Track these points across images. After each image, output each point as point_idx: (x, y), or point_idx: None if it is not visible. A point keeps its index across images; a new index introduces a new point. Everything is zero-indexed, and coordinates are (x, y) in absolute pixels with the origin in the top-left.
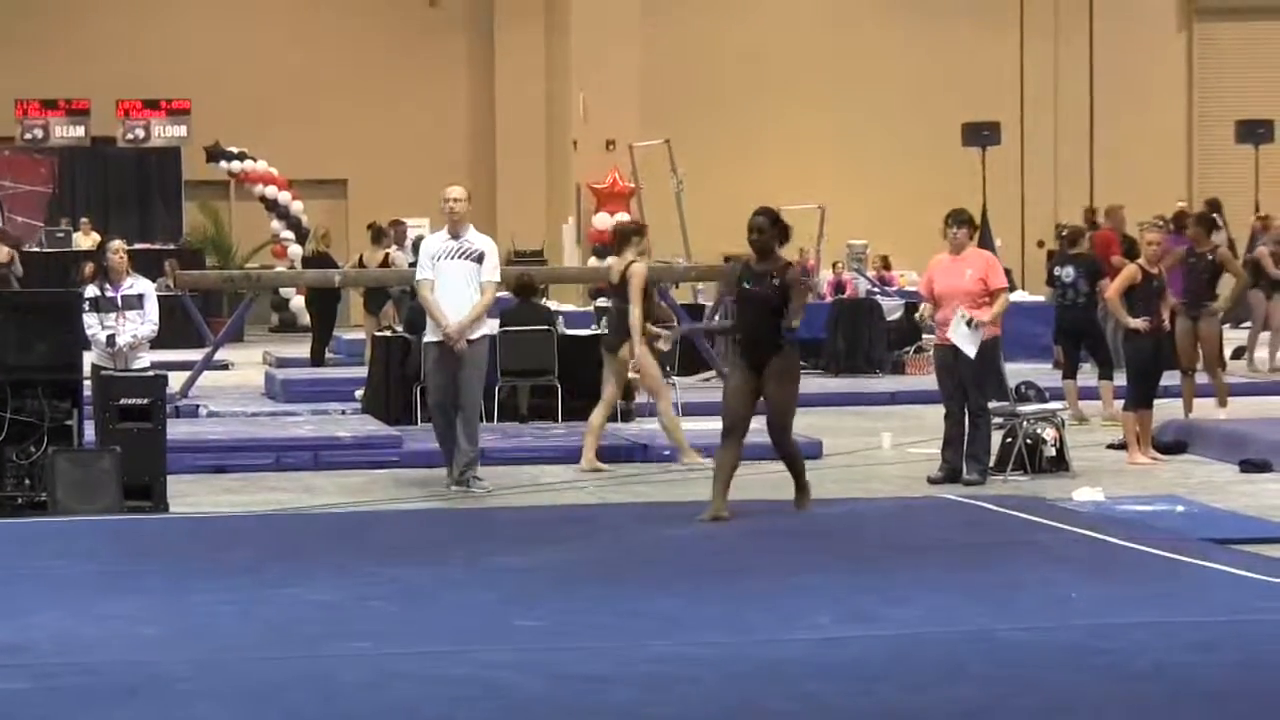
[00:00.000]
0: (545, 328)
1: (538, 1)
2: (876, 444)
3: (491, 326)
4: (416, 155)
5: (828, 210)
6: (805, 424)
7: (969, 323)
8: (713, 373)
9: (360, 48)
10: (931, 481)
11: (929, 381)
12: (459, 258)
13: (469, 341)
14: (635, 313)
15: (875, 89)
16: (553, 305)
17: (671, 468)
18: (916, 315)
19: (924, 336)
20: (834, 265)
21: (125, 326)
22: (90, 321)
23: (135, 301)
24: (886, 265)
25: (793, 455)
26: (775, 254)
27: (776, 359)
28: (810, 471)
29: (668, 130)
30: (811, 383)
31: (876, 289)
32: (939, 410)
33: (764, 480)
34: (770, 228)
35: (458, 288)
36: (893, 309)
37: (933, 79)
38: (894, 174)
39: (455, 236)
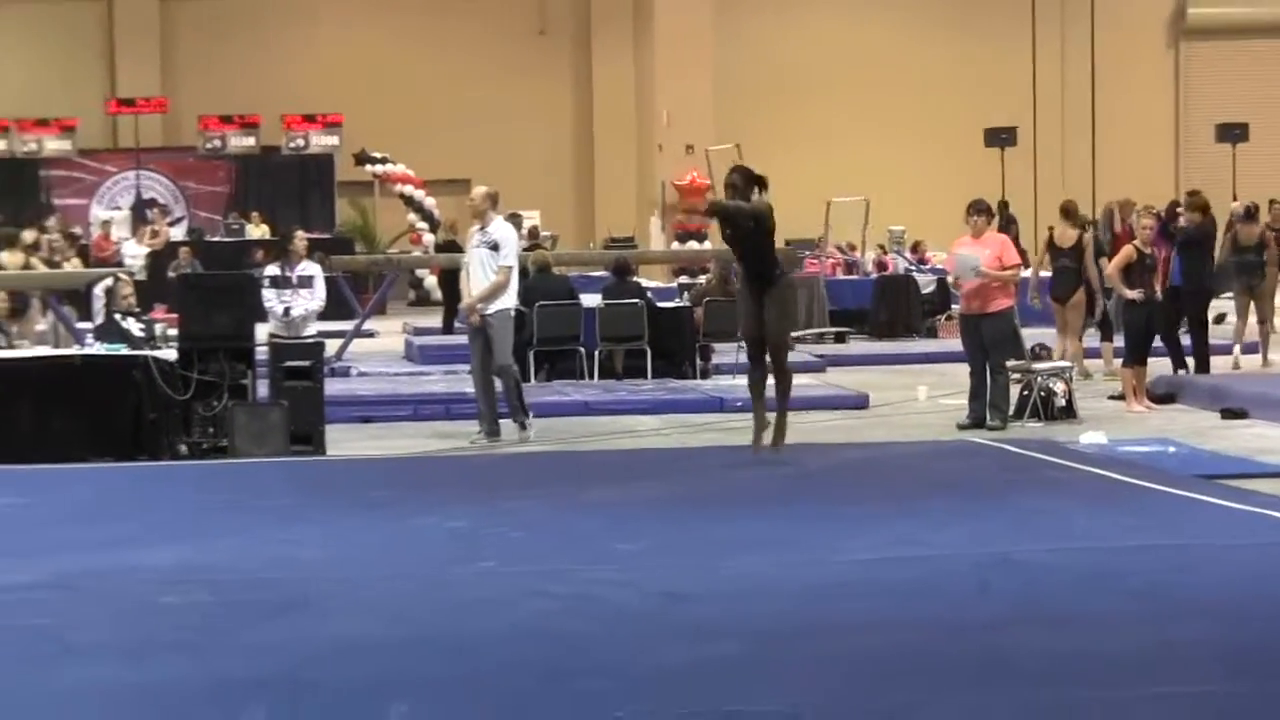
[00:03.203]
0: (637, 301)
1: (627, 29)
2: (914, 396)
3: (506, 302)
4: (528, 157)
5: (872, 201)
6: (855, 380)
7: (974, 268)
8: None
9: (482, 69)
10: (960, 427)
11: (957, 344)
12: (481, 246)
13: (485, 315)
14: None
15: (913, 99)
16: (643, 282)
17: (748, 418)
18: (949, 279)
19: (953, 306)
20: (879, 247)
21: (298, 301)
22: (269, 296)
23: (307, 281)
24: (915, 249)
25: (783, 384)
26: (750, 199)
27: (773, 288)
28: (858, 419)
29: (737, 135)
30: (858, 345)
31: (913, 267)
32: (966, 368)
33: (816, 426)
34: (743, 182)
35: (478, 271)
36: (927, 283)
37: (960, 90)
38: (928, 170)
39: (481, 228)
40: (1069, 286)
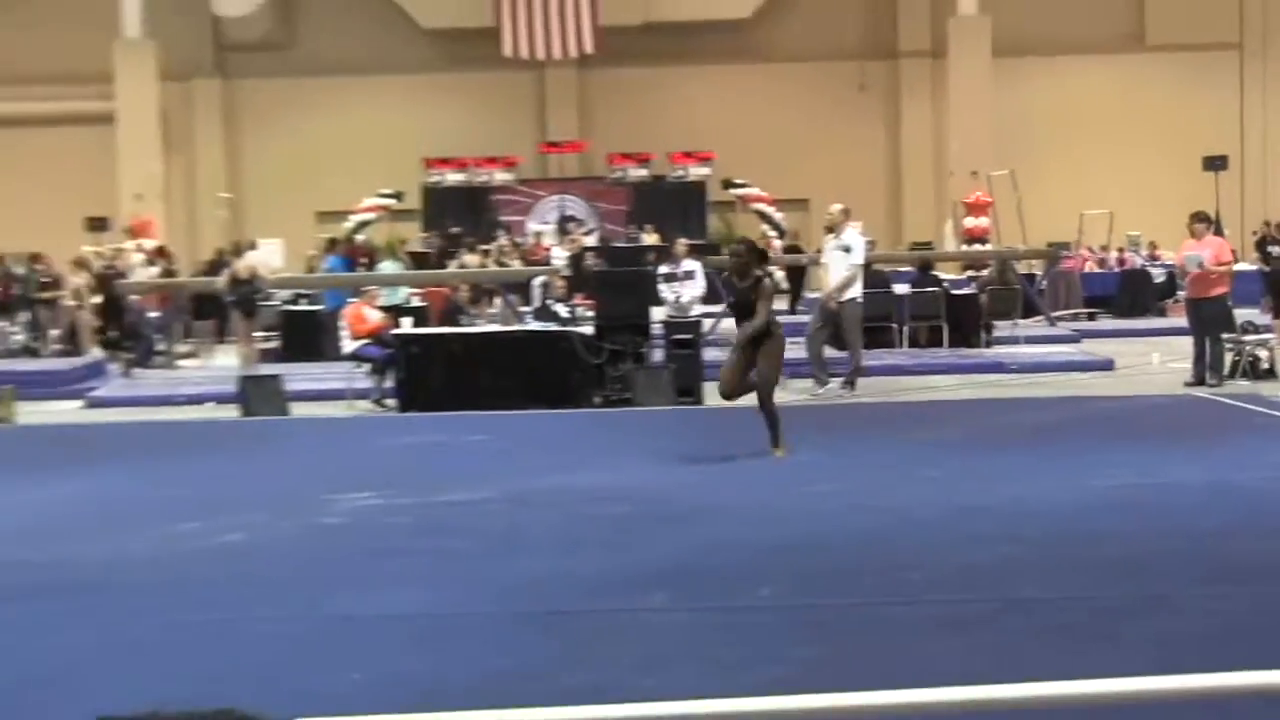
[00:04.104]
0: (936, 289)
1: (927, 84)
2: (1149, 361)
3: (854, 293)
4: (851, 180)
5: (1115, 213)
6: (1103, 348)
7: (1199, 264)
8: (1040, 316)
9: (817, 115)
10: (1186, 385)
11: (1184, 321)
12: (836, 249)
13: (840, 302)
14: None
15: (1146, 132)
16: (940, 275)
17: (1021, 377)
18: (1177, 272)
19: (1179, 292)
20: (1119, 250)
21: (685, 290)
22: (664, 288)
23: (690, 274)
24: (1149, 249)
25: (772, 416)
26: (751, 273)
27: (768, 341)
28: (1105, 378)
29: (1011, 162)
30: (1105, 323)
31: (1147, 263)
32: (1189, 339)
33: (1072, 384)
34: (746, 254)
35: (833, 269)
36: (1158, 275)
37: (1184, 125)
38: (1158, 188)
39: (836, 235)
40: None
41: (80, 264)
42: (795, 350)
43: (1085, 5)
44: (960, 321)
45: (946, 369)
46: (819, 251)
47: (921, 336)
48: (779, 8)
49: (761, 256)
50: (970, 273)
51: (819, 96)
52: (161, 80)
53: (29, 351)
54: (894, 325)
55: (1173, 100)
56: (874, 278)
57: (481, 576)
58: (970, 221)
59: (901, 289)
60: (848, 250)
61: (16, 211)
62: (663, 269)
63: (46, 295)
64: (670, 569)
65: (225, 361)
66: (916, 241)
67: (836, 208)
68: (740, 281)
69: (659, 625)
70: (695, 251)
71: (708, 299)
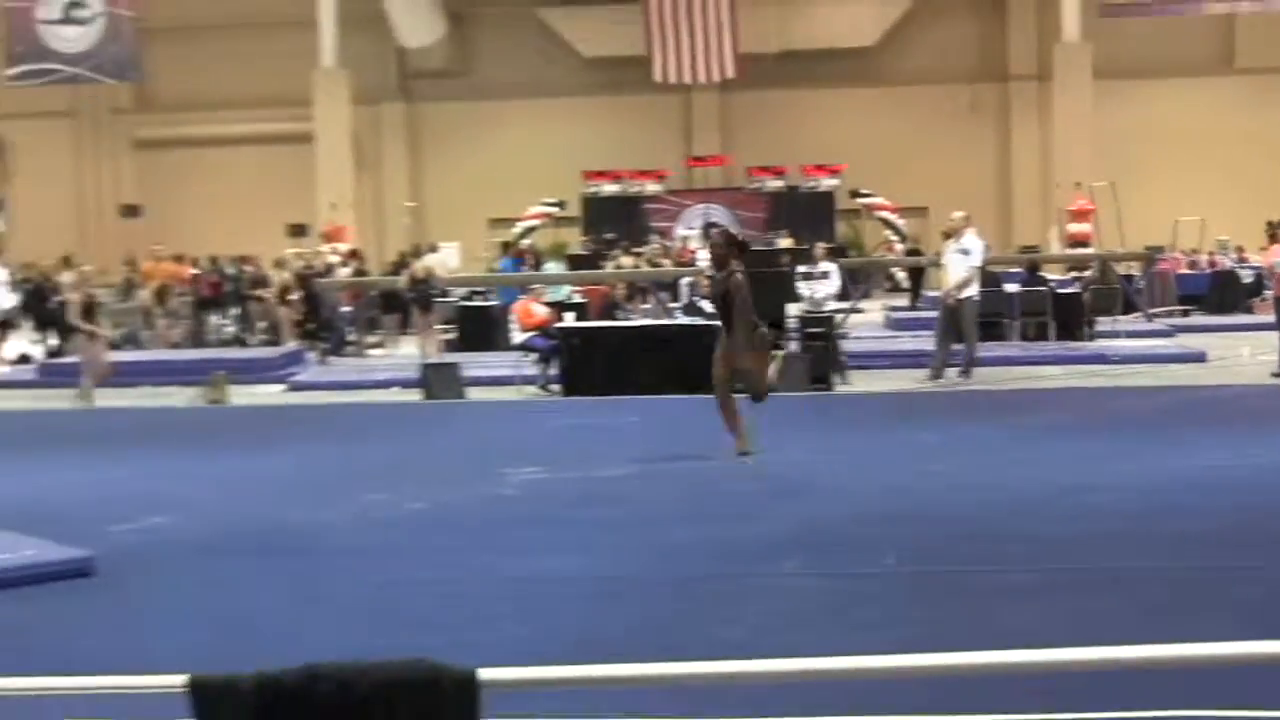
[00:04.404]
0: (1043, 288)
1: (1033, 103)
2: (1239, 353)
3: (971, 291)
4: (964, 189)
5: (1206, 220)
6: (1196, 342)
7: None
8: (1138, 313)
9: (933, 131)
10: (1272, 375)
11: (1270, 317)
12: (956, 252)
13: (958, 300)
14: None
15: (1231, 147)
16: (1047, 275)
17: (1121, 368)
18: (1265, 273)
19: (1265, 291)
20: (1210, 253)
21: (819, 288)
22: (801, 285)
23: (822, 275)
24: (1237, 252)
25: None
26: (728, 264)
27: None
28: (1199, 369)
29: (1111, 174)
30: (1198, 319)
31: (1236, 265)
32: (1276, 334)
33: (1168, 374)
34: (724, 246)
35: (953, 269)
36: (1246, 276)
37: (1269, 141)
38: (1243, 198)
39: (956, 240)
40: None
41: (281, 264)
42: (887, 343)
43: (1178, 32)
44: (1065, 317)
45: (1053, 360)
46: (938, 254)
47: (1030, 331)
48: (900, 36)
49: (740, 250)
50: (1074, 273)
51: (936, 115)
52: (354, 104)
53: (238, 341)
54: (1005, 320)
55: (1259, 118)
56: (987, 278)
57: (635, 543)
58: (1074, 227)
59: (1012, 288)
60: (967, 253)
61: (228, 218)
62: (800, 269)
63: (254, 292)
64: (801, 538)
65: (409, 351)
66: (1025, 245)
67: (958, 215)
68: (717, 271)
69: (794, 589)
70: (831, 254)
71: (840, 296)
